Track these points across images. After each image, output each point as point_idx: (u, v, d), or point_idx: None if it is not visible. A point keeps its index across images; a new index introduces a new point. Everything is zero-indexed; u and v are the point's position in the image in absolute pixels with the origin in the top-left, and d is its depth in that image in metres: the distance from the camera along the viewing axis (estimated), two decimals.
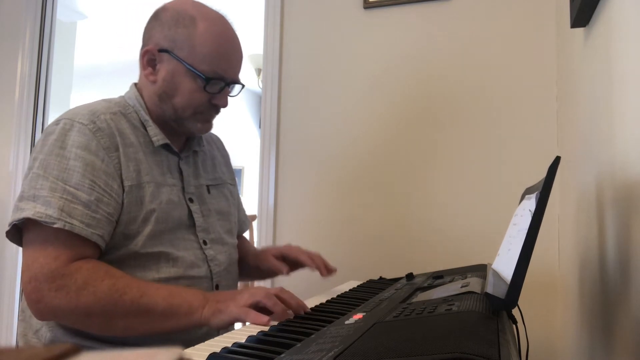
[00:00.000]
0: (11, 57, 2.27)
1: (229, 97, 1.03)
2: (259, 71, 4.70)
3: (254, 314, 0.80)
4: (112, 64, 4.81)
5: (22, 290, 0.84)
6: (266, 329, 0.70)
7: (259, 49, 4.19)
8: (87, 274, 0.82)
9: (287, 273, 1.11)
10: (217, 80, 0.97)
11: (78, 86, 3.55)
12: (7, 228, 0.87)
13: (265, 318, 0.78)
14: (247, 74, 5.17)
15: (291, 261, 1.14)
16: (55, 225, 0.81)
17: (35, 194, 0.84)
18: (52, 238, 0.83)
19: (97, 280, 0.82)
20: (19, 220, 0.84)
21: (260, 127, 1.90)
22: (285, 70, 1.86)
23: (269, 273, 1.21)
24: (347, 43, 1.78)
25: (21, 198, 0.86)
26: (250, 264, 1.19)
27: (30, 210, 0.82)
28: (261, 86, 1.93)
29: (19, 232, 0.88)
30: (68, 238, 0.83)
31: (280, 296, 0.83)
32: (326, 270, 1.12)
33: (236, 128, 5.74)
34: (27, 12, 2.26)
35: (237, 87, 1.04)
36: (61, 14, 2.74)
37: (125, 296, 0.82)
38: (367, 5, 1.75)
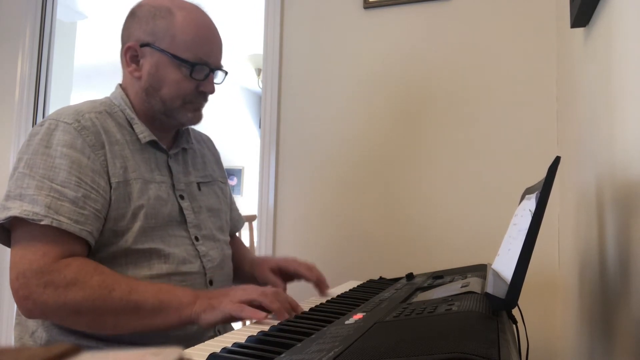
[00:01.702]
0: (11, 57, 2.27)
1: (215, 84, 1.03)
2: (259, 71, 4.70)
3: (249, 309, 0.79)
4: (112, 64, 4.80)
5: (11, 289, 0.82)
6: (266, 328, 0.69)
7: (259, 49, 4.19)
8: (75, 270, 0.81)
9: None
10: (201, 65, 0.97)
11: (78, 86, 3.55)
12: None
13: (262, 314, 0.78)
14: (247, 74, 5.17)
15: (289, 274, 1.13)
16: (42, 222, 0.81)
17: (22, 192, 0.84)
18: (40, 235, 0.83)
19: (86, 277, 0.81)
20: (5, 219, 0.83)
21: (260, 127, 1.90)
22: (285, 70, 1.86)
23: (264, 285, 1.20)
24: (347, 43, 1.78)
25: (7, 197, 0.85)
26: (247, 272, 1.18)
27: (17, 209, 0.82)
28: (261, 86, 1.93)
29: (6, 232, 0.87)
30: (56, 235, 0.83)
31: (277, 297, 0.82)
32: (320, 284, 1.10)
33: (236, 128, 5.73)
34: (27, 12, 2.26)
35: (221, 74, 1.05)
36: (61, 14, 2.74)
37: (114, 292, 0.81)
38: (367, 5, 1.75)
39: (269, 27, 1.89)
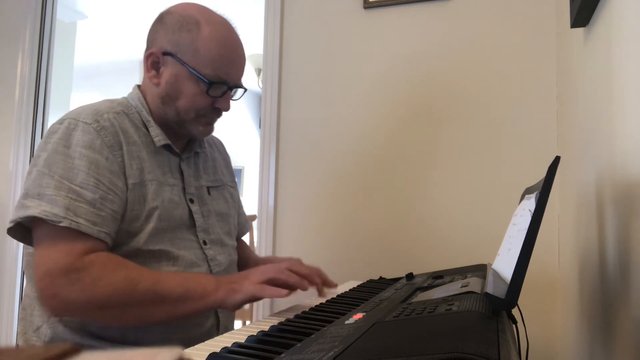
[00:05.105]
0: (11, 57, 2.27)
1: (231, 101, 1.03)
2: (259, 71, 4.70)
3: (270, 288, 0.82)
4: (112, 64, 4.81)
5: (37, 288, 0.83)
6: (266, 328, 0.70)
7: (259, 49, 4.19)
8: (100, 266, 0.83)
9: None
10: (219, 84, 0.97)
11: (78, 86, 3.55)
12: (8, 225, 0.87)
13: (283, 292, 0.81)
14: (247, 74, 5.17)
15: None
16: (61, 224, 0.82)
17: (40, 192, 0.84)
18: (61, 235, 0.83)
19: (111, 272, 0.83)
20: (23, 217, 0.84)
21: (260, 127, 1.90)
22: (285, 70, 1.86)
23: None
24: (347, 43, 1.78)
25: (25, 195, 0.86)
26: None
27: (35, 209, 0.83)
28: (261, 86, 1.93)
29: (22, 229, 0.88)
30: (76, 235, 0.84)
31: (292, 268, 0.86)
32: (326, 286, 1.12)
33: (236, 128, 5.74)
34: (27, 12, 2.26)
35: (240, 91, 1.05)
36: (61, 14, 2.74)
37: (140, 285, 0.83)
38: (367, 5, 1.75)
39: (269, 27, 1.89)
